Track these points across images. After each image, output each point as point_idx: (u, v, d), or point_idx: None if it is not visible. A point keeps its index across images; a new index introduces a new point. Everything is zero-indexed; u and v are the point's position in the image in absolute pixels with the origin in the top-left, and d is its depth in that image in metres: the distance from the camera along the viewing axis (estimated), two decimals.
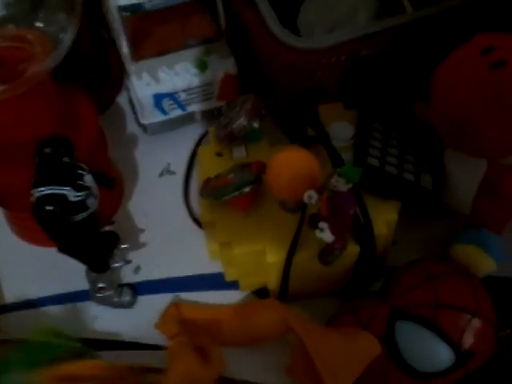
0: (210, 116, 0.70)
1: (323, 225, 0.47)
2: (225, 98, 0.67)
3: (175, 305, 0.57)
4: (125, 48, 0.63)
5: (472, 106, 0.47)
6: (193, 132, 0.71)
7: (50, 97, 0.54)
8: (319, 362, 0.47)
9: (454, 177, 0.57)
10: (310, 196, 0.47)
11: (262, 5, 0.59)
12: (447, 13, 0.59)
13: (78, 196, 0.47)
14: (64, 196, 0.46)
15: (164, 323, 0.56)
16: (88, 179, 0.48)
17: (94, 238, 0.54)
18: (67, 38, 0.49)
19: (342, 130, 0.59)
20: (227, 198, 0.52)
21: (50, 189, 0.45)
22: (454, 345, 0.48)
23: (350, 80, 0.62)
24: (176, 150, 0.70)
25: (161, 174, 0.69)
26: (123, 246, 0.58)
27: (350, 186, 0.45)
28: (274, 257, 0.52)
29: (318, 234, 0.48)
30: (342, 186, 0.45)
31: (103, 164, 0.63)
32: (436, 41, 0.57)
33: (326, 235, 0.48)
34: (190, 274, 0.61)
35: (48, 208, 0.45)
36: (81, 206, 0.48)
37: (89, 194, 0.48)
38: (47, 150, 0.46)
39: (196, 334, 0.54)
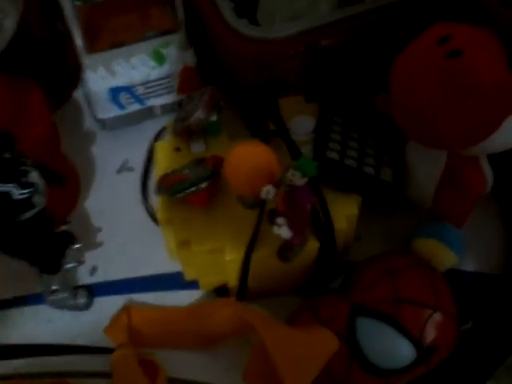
0: (170, 110, 0.69)
1: (281, 220, 0.46)
2: (185, 91, 0.66)
3: (126, 308, 0.55)
4: (78, 40, 0.61)
5: (429, 97, 0.46)
6: (153, 127, 0.69)
7: None
8: (278, 359, 0.45)
9: (415, 170, 0.56)
10: (268, 191, 0.46)
11: None
12: (408, 2, 0.58)
13: (22, 194, 0.45)
14: (6, 193, 0.44)
15: (113, 329, 0.54)
16: (33, 176, 0.46)
17: (45, 238, 0.52)
18: (10, 24, 0.47)
19: (303, 124, 0.58)
20: (182, 194, 0.50)
21: None
22: (415, 340, 0.47)
23: (310, 72, 0.61)
24: (135, 146, 0.68)
25: (119, 171, 0.67)
26: (76, 246, 0.56)
27: (306, 179, 0.44)
28: (232, 254, 0.50)
29: (275, 230, 0.46)
30: (297, 179, 0.44)
31: (56, 160, 0.60)
32: (396, 31, 0.56)
33: (284, 231, 0.46)
34: (149, 274, 0.59)
35: None
36: (26, 204, 0.46)
37: (34, 191, 0.46)
38: None
39: (144, 344, 0.52)
